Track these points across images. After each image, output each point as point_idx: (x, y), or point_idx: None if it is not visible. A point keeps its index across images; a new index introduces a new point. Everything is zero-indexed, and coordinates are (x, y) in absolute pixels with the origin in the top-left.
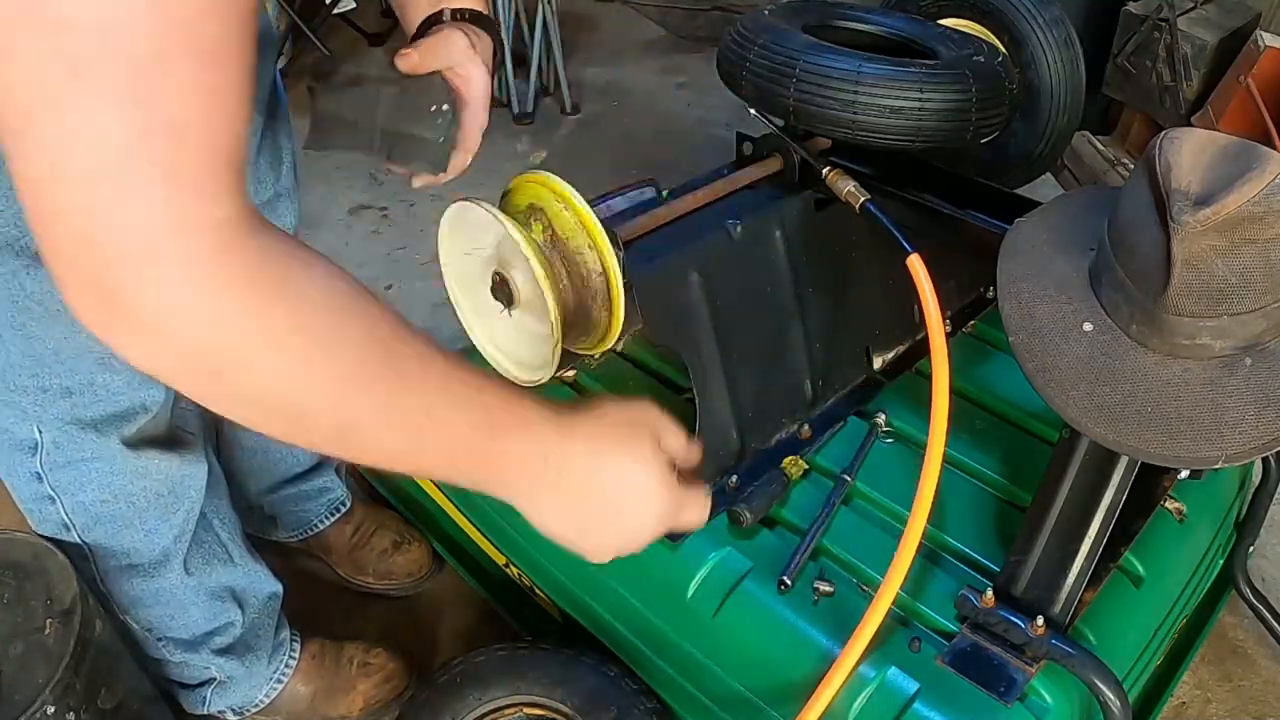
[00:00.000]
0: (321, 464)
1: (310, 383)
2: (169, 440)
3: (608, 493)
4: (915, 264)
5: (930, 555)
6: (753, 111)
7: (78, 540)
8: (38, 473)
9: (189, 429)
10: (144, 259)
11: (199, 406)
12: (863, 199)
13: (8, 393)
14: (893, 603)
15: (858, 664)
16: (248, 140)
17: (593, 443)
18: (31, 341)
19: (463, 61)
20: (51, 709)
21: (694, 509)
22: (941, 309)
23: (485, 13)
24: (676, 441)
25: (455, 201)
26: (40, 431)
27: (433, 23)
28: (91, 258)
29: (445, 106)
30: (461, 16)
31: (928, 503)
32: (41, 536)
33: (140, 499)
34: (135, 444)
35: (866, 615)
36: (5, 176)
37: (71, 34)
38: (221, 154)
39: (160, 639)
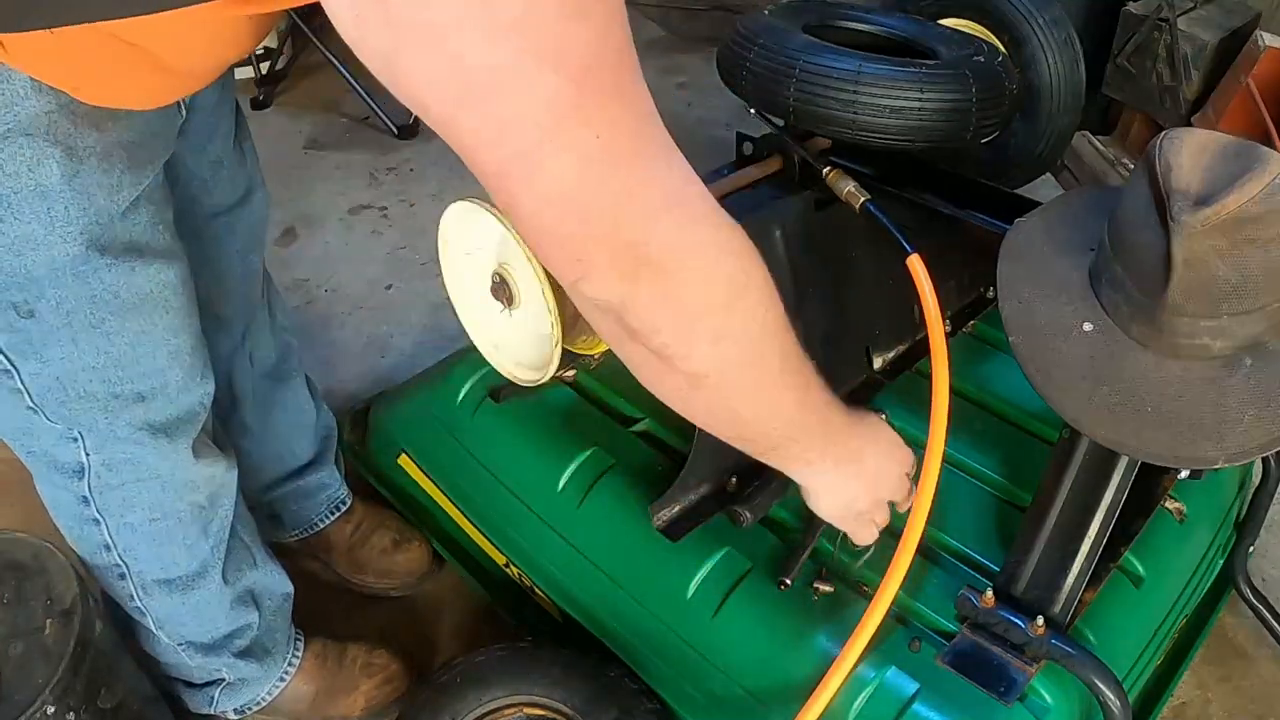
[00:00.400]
0: (318, 458)
1: (773, 325)
2: (216, 444)
3: (872, 464)
4: (915, 264)
5: (930, 555)
6: (753, 111)
7: (117, 560)
8: (84, 496)
9: (219, 429)
10: (671, 212)
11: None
12: (863, 199)
13: (77, 400)
14: (893, 603)
15: (857, 664)
16: None
17: (861, 430)
18: (110, 338)
19: None
20: (51, 709)
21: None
22: (941, 309)
23: None
24: None
25: (456, 201)
26: (88, 454)
27: None
28: (629, 230)
29: None
30: None
31: (928, 503)
32: (79, 557)
33: (186, 514)
34: (198, 448)
35: (866, 615)
36: (90, 175)
37: (571, 64)
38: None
39: (182, 645)
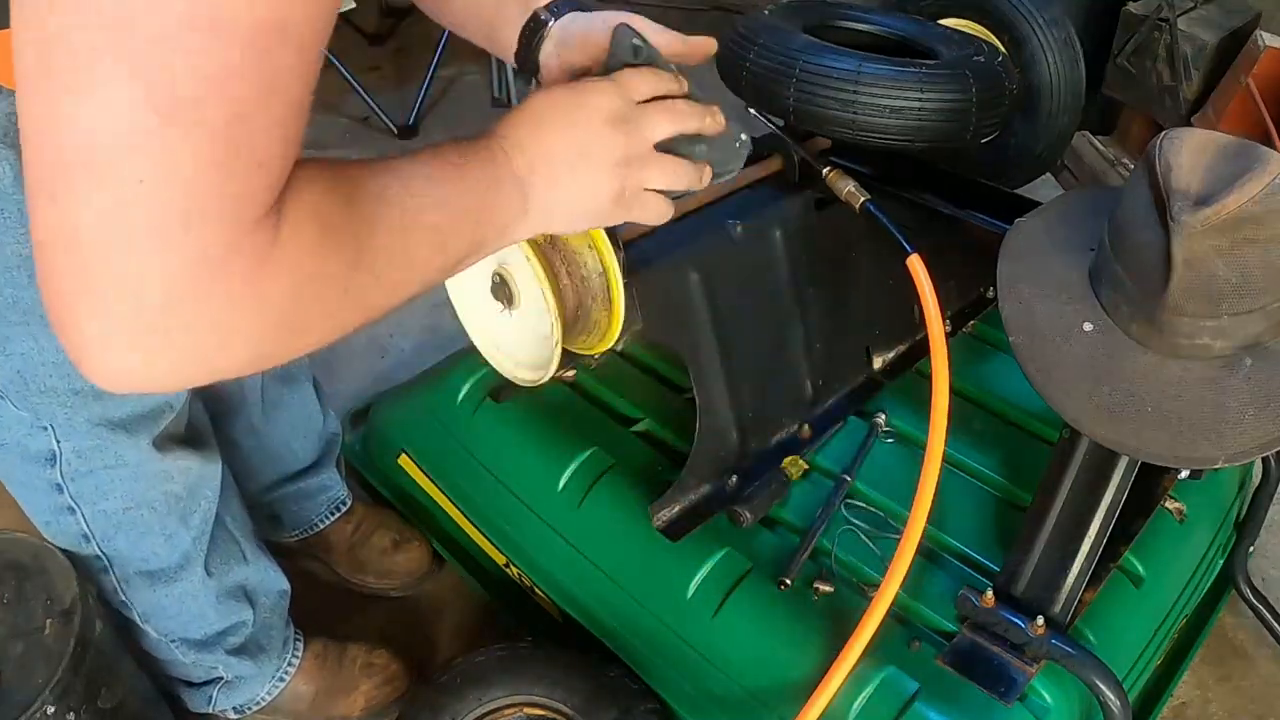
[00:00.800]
0: (321, 460)
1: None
2: (190, 439)
3: (563, 147)
4: (915, 264)
5: (930, 555)
6: (753, 111)
7: (97, 551)
8: (58, 484)
9: (202, 427)
10: (203, 273)
11: (201, 405)
12: (863, 199)
13: (38, 394)
14: (893, 603)
15: (857, 664)
16: None
17: (540, 116)
18: None
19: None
20: (51, 709)
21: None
22: (941, 309)
23: None
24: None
25: None
26: (59, 442)
27: (536, 30)
28: (124, 276)
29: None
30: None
31: (928, 503)
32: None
33: (161, 504)
34: (162, 444)
35: (866, 615)
36: None
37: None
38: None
39: (174, 641)
